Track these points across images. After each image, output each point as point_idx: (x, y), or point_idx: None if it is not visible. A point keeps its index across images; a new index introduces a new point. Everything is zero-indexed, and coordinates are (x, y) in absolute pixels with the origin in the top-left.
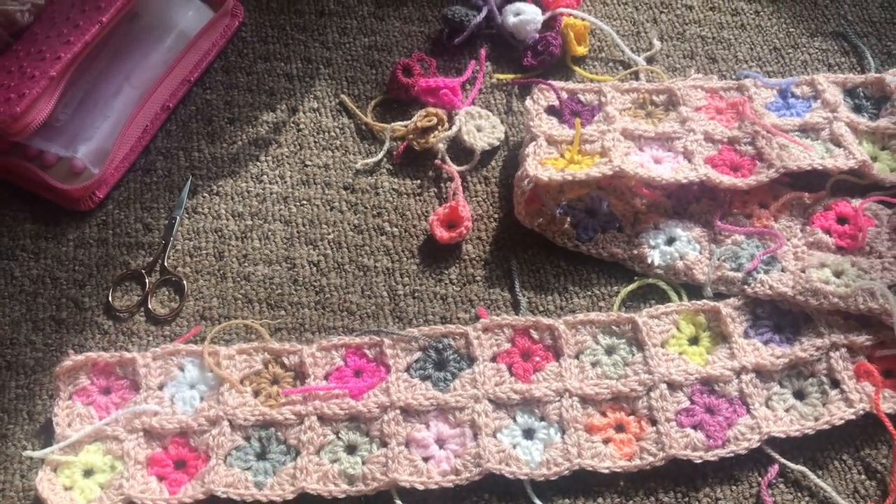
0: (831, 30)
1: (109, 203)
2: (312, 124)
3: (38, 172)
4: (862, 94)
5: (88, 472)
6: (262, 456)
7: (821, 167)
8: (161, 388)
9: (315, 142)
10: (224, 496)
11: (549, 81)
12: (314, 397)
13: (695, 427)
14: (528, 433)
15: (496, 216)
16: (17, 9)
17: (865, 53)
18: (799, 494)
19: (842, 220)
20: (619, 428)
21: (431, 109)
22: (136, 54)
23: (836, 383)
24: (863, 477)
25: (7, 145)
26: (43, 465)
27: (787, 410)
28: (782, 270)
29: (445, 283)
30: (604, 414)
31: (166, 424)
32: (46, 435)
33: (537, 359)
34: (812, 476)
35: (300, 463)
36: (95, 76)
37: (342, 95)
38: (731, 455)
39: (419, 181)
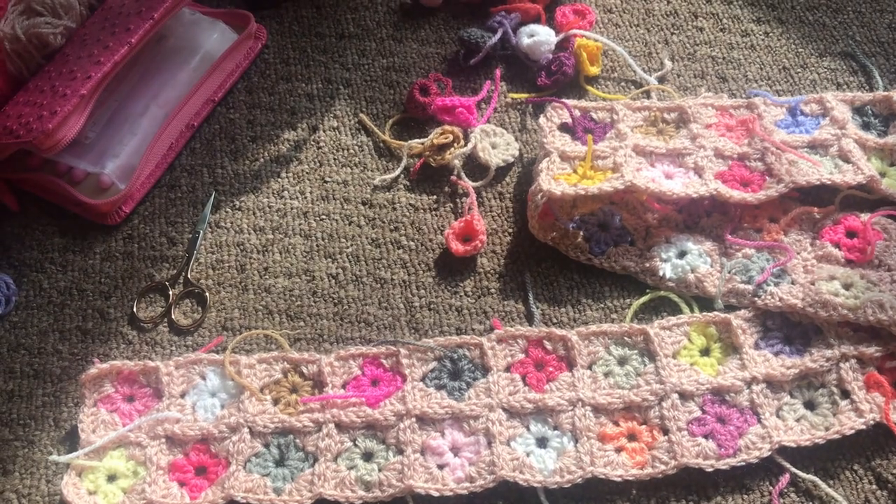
0: (840, 50)
1: (135, 217)
2: (332, 142)
3: (67, 188)
4: (870, 111)
5: (112, 477)
6: (280, 462)
7: (829, 182)
8: (183, 396)
9: (334, 159)
10: (244, 501)
11: (563, 100)
12: (332, 405)
13: (706, 436)
14: (542, 442)
15: (510, 230)
16: (50, 31)
17: (873, 73)
18: None
19: (851, 233)
20: (632, 437)
21: (447, 127)
22: (163, 75)
23: (846, 394)
24: (874, 487)
25: (38, 161)
26: (68, 470)
27: (797, 420)
28: (792, 283)
29: (460, 296)
30: (616, 423)
31: (188, 431)
32: (71, 441)
33: (551, 369)
34: (823, 485)
35: (318, 469)
36: (123, 96)
37: (361, 114)
38: (742, 464)
39: (435, 196)
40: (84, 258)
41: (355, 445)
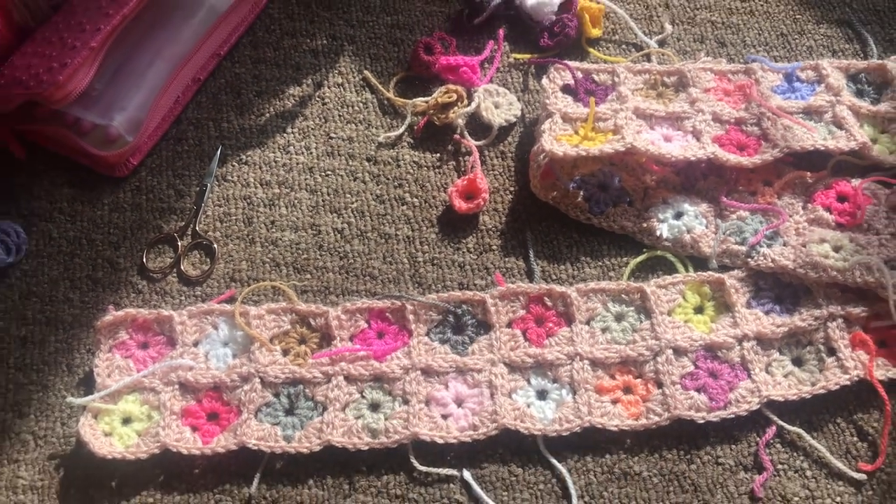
0: (836, 17)
1: (143, 170)
2: (337, 98)
3: (75, 139)
4: (864, 79)
5: (126, 420)
6: (290, 411)
7: (823, 148)
8: (196, 344)
9: (339, 115)
10: (255, 448)
11: (565, 61)
12: (341, 359)
13: (698, 390)
14: (542, 394)
15: (512, 189)
16: None
17: (869, 41)
18: (794, 454)
19: (842, 198)
20: (627, 390)
21: (451, 86)
22: (169, 28)
23: (832, 351)
24: (855, 439)
25: (45, 113)
26: (84, 412)
27: (785, 376)
28: (784, 245)
29: (463, 252)
30: (612, 376)
31: (200, 379)
32: (85, 386)
33: (550, 325)
34: (807, 437)
35: (326, 418)
36: (129, 48)
37: (365, 71)
38: (732, 416)
39: (439, 154)
40: (93, 209)
41: (363, 397)
